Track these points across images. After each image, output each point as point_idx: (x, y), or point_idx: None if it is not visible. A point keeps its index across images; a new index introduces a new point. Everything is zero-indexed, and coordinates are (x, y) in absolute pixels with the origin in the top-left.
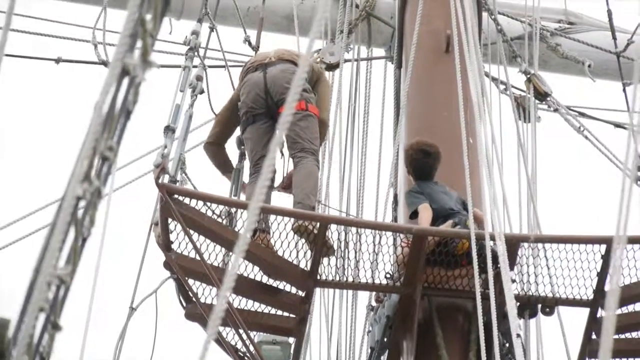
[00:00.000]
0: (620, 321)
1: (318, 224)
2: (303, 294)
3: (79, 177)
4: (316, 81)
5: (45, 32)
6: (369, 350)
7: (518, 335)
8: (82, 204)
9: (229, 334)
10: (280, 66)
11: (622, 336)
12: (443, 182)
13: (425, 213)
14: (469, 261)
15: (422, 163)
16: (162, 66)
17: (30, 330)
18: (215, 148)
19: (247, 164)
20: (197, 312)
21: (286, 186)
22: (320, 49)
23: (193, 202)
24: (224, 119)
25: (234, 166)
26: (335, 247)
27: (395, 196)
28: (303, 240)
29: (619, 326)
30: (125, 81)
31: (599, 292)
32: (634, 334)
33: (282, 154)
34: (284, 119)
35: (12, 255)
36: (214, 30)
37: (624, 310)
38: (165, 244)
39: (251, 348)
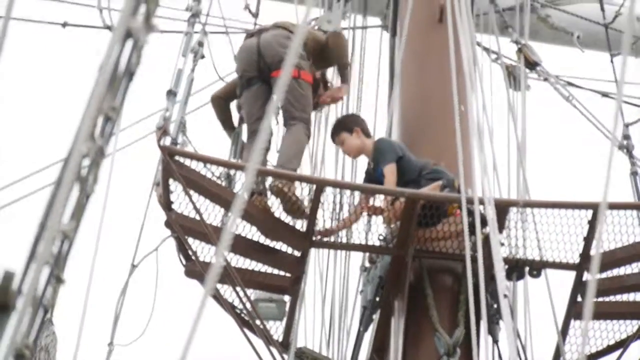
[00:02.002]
0: (605, 284)
1: (293, 186)
2: (299, 254)
3: (84, 135)
4: (322, 47)
5: None
6: (362, 310)
7: (505, 296)
8: (86, 163)
9: (227, 292)
10: (273, 32)
11: (607, 299)
12: (435, 148)
13: (392, 177)
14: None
15: None
16: (165, 32)
17: (35, 283)
18: (221, 101)
19: (246, 127)
20: (196, 270)
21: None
22: (318, 17)
23: (193, 164)
24: (235, 82)
25: (234, 127)
26: (307, 209)
27: None
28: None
29: (603, 289)
30: (129, 44)
31: (585, 256)
32: (618, 297)
33: (277, 121)
34: (280, 88)
35: (18, 211)
36: None
37: (609, 274)
38: (166, 204)
39: (248, 305)
